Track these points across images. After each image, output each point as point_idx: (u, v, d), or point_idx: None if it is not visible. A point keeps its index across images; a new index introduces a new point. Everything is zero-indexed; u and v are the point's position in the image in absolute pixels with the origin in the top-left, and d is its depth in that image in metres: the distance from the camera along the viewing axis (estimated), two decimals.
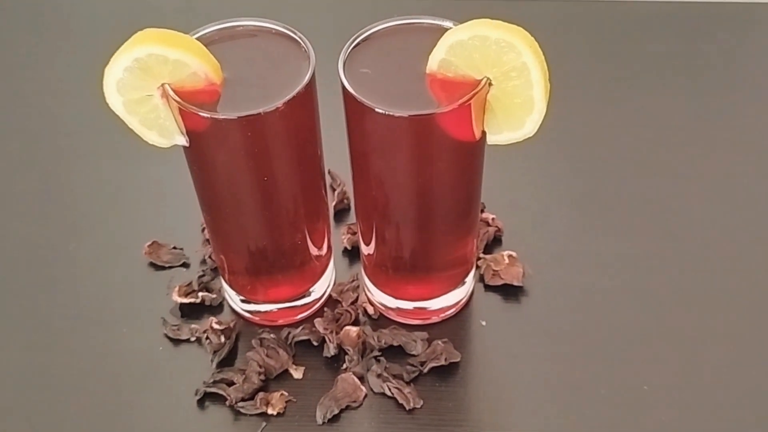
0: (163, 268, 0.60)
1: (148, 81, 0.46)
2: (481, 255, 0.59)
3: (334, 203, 0.62)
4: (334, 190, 0.63)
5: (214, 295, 0.58)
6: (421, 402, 0.52)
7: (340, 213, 0.63)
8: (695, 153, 0.66)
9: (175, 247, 0.61)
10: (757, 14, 0.78)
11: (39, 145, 0.70)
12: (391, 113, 0.45)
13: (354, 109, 0.47)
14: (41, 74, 0.77)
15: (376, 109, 0.45)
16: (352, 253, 0.60)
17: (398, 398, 0.52)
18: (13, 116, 0.73)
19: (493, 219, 0.61)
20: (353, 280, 0.58)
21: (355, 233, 0.60)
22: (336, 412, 0.52)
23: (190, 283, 0.58)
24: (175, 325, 0.56)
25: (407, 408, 0.52)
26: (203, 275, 0.59)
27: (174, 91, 0.46)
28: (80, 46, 0.79)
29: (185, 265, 0.60)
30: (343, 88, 0.46)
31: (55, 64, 0.78)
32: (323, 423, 0.52)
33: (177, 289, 0.57)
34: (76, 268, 0.61)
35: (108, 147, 0.69)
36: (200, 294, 0.57)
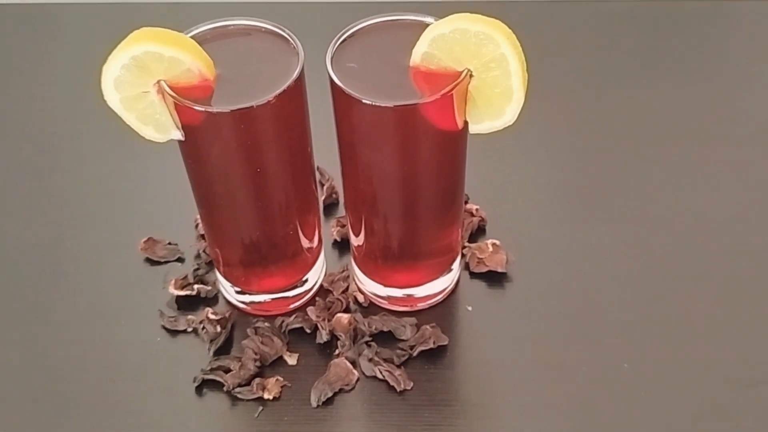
0: (158, 263, 0.62)
1: (144, 78, 0.48)
2: (466, 244, 0.61)
3: (323, 198, 0.64)
4: (323, 185, 0.65)
5: (209, 288, 0.60)
6: (412, 384, 0.54)
7: (329, 207, 0.65)
8: (676, 143, 0.69)
9: (170, 243, 0.62)
10: (728, 9, 0.81)
11: (34, 144, 0.72)
12: (377, 104, 0.47)
13: (342, 101, 0.49)
14: (35, 74, 0.79)
15: (363, 100, 0.47)
16: (342, 245, 0.62)
17: (389, 381, 0.54)
18: (7, 115, 0.75)
19: (476, 210, 0.63)
20: (343, 271, 0.60)
21: (344, 226, 0.62)
22: (330, 395, 0.54)
23: (185, 276, 0.60)
24: (172, 317, 0.58)
25: (398, 390, 0.54)
26: (198, 269, 0.61)
27: (169, 87, 0.48)
28: (73, 45, 0.81)
29: (180, 260, 0.62)
30: (331, 81, 0.49)
31: (48, 64, 0.80)
32: (318, 406, 0.54)
33: (173, 281, 0.59)
34: (74, 264, 0.63)
35: (102, 146, 0.71)
36: (196, 286, 0.59)
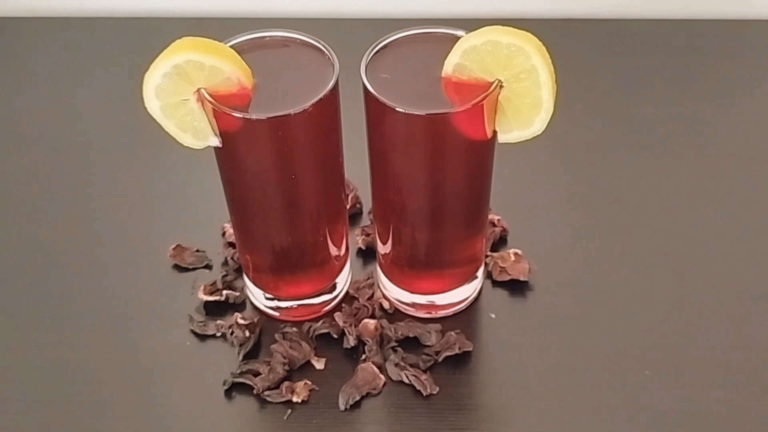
0: (187, 269, 0.63)
1: (184, 86, 0.49)
2: (489, 253, 0.62)
3: (347, 207, 0.65)
4: (347, 195, 0.66)
5: (238, 293, 0.61)
6: (437, 388, 0.55)
7: (353, 217, 0.66)
8: (697, 156, 0.70)
9: (198, 250, 0.64)
10: (746, 30, 0.84)
11: (66, 152, 0.74)
12: (410, 112, 0.49)
13: (375, 110, 0.50)
14: (71, 84, 0.81)
15: (397, 109, 0.49)
16: (366, 253, 0.64)
17: (416, 385, 0.55)
18: (40, 125, 0.76)
19: (498, 220, 0.64)
20: (368, 278, 0.62)
21: (369, 235, 0.64)
22: (357, 398, 0.55)
23: (214, 282, 0.61)
24: (201, 322, 0.59)
25: (424, 394, 0.55)
26: (226, 275, 0.62)
27: (209, 94, 0.49)
28: (111, 56, 0.83)
29: (208, 266, 0.63)
30: (365, 90, 0.50)
31: (84, 74, 0.82)
32: (345, 409, 0.55)
33: (202, 287, 0.61)
34: (104, 270, 0.64)
35: (132, 155, 0.72)
36: (224, 292, 0.60)
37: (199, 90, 0.50)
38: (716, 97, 0.76)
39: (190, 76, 0.49)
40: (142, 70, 0.49)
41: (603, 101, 0.76)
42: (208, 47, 0.49)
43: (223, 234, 0.65)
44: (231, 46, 0.51)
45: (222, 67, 0.49)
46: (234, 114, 0.49)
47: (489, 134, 0.52)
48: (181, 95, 0.50)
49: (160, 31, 0.82)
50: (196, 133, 0.51)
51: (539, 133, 0.50)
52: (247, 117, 0.49)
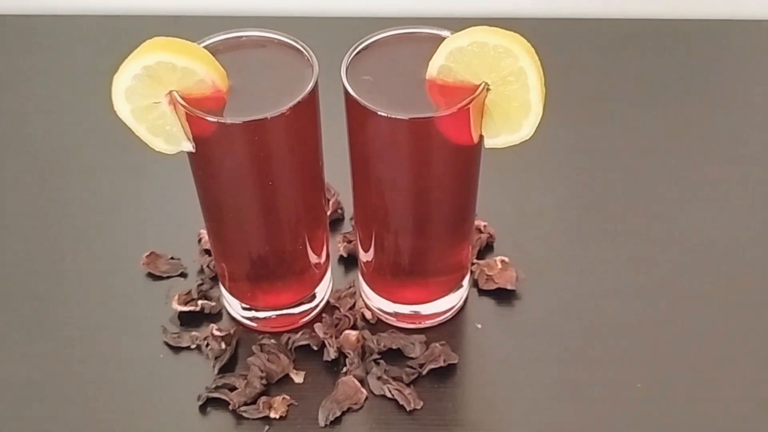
0: (161, 278, 0.61)
1: (156, 88, 0.47)
2: (475, 260, 0.60)
3: (328, 213, 0.63)
4: (328, 200, 0.64)
5: (213, 303, 0.58)
6: (422, 403, 0.53)
7: (334, 222, 0.64)
8: (687, 161, 0.69)
9: (172, 258, 0.61)
10: (736, 30, 0.82)
11: (35, 156, 0.71)
12: (392, 116, 0.47)
13: (356, 113, 0.48)
14: (40, 85, 0.78)
15: (379, 113, 0.47)
16: (348, 261, 0.61)
17: (399, 399, 0.53)
18: (10, 129, 0.74)
19: (485, 226, 0.62)
20: (350, 287, 0.59)
21: (350, 241, 0.61)
22: (338, 414, 0.53)
23: (189, 292, 0.59)
24: (175, 333, 0.57)
25: (408, 409, 0.53)
26: (202, 284, 0.59)
27: (182, 97, 0.47)
28: (80, 56, 0.81)
29: (183, 274, 0.61)
30: (346, 93, 0.48)
31: (54, 75, 0.79)
32: (325, 425, 0.53)
33: (176, 297, 0.58)
34: (75, 279, 0.61)
35: (103, 159, 0.70)
36: (200, 302, 0.58)
37: (171, 92, 0.47)
38: (708, 99, 0.75)
39: (161, 78, 0.47)
40: (115, 71, 0.47)
41: (592, 103, 0.74)
42: (180, 48, 0.47)
43: (200, 240, 0.62)
44: (205, 47, 0.49)
45: (195, 68, 0.47)
46: (208, 118, 0.47)
47: (475, 139, 0.50)
48: (152, 98, 0.48)
49: (134, 30, 0.80)
50: (169, 137, 0.49)
51: (527, 137, 0.48)
52: (222, 121, 0.47)
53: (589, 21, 0.83)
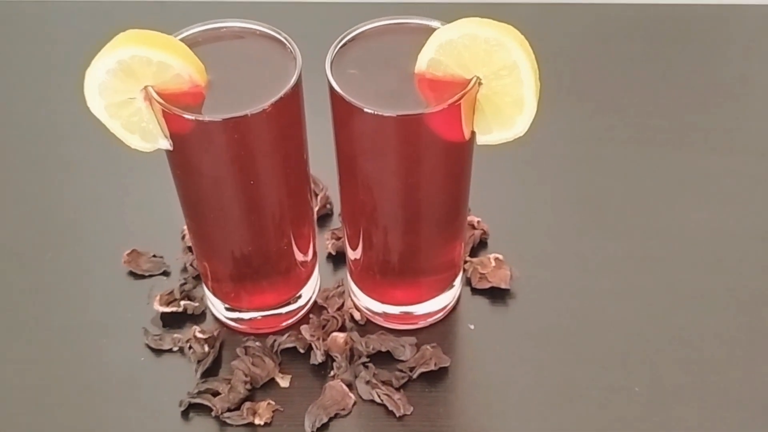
0: (143, 276, 0.59)
1: (130, 83, 0.45)
2: (468, 258, 0.58)
3: (317, 208, 0.61)
4: (316, 195, 0.62)
5: (197, 304, 0.56)
6: (412, 408, 0.52)
7: (323, 218, 0.62)
8: (684, 156, 0.66)
9: (155, 255, 0.59)
10: (733, 15, 0.79)
11: (11, 152, 0.69)
12: (379, 113, 0.44)
13: (342, 110, 0.46)
14: (11, 76, 0.76)
15: (365, 110, 0.44)
16: (337, 259, 0.59)
17: (388, 405, 0.52)
18: None
19: (478, 222, 0.60)
20: (338, 286, 0.57)
21: (339, 238, 0.59)
22: (325, 420, 0.51)
23: (171, 292, 0.57)
24: (157, 335, 0.55)
25: (397, 415, 0.51)
26: (185, 283, 0.57)
27: (157, 93, 0.45)
28: (53, 45, 0.78)
29: (166, 273, 0.59)
30: (331, 88, 0.46)
31: (27, 66, 0.76)
32: None
33: (158, 297, 0.56)
34: (53, 278, 0.59)
35: (84, 154, 0.67)
36: (182, 303, 0.56)
37: (146, 88, 0.45)
38: (711, 89, 0.72)
39: (136, 72, 0.45)
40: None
41: (588, 96, 0.72)
42: (155, 41, 0.45)
43: (183, 237, 0.60)
44: (182, 39, 0.47)
45: (171, 62, 0.45)
46: (185, 115, 0.45)
47: (467, 136, 0.47)
48: (126, 93, 0.45)
49: (117, 14, 0.78)
50: (144, 134, 0.47)
51: (521, 134, 0.46)
52: (200, 118, 0.45)
53: (586, 6, 0.80)
